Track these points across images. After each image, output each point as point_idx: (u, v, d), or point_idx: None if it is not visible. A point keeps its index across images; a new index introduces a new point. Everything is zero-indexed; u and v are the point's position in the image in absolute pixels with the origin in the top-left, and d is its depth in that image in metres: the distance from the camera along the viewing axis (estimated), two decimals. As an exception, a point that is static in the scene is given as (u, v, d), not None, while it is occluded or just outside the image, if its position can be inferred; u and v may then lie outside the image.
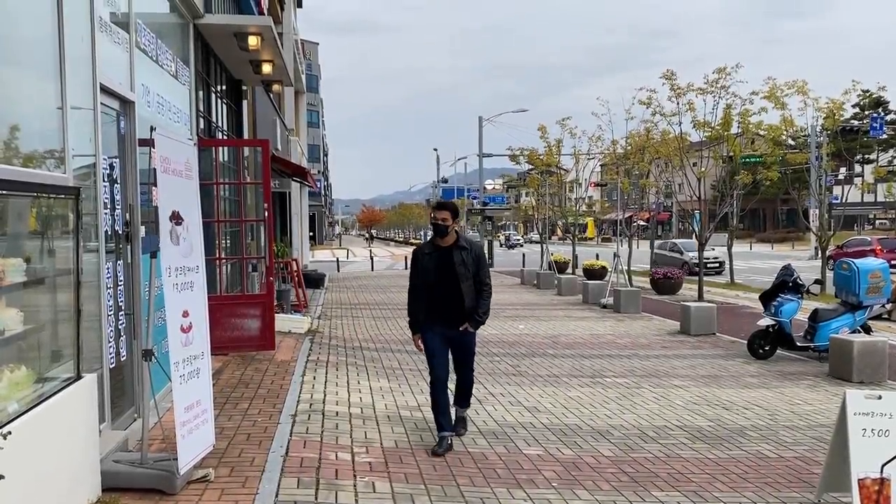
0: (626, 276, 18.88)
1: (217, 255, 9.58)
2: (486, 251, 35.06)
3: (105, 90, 5.46)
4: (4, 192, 3.66)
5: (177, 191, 4.80)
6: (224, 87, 12.01)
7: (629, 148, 22.77)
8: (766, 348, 10.43)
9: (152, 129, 4.66)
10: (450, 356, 6.19)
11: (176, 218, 4.68)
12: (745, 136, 18.84)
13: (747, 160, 19.83)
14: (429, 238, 6.42)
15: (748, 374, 9.46)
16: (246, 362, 8.61)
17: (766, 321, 10.48)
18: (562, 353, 10.82)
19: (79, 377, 4.24)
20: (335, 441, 5.96)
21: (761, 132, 18.77)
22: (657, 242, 31.83)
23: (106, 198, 5.49)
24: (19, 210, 4.20)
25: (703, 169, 17.79)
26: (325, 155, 63.78)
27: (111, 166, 5.67)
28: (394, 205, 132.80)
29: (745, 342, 10.88)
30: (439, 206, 6.15)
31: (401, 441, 6.21)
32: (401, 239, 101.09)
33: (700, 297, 16.85)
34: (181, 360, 4.64)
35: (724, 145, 17.96)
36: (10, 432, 2.82)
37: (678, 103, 17.13)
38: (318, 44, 51.60)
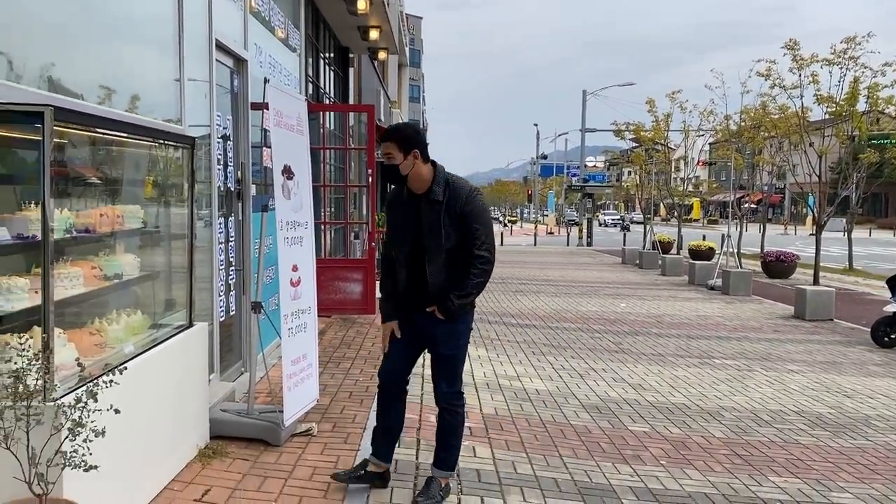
0: (737, 258, 18.07)
1: (322, 220, 9.69)
2: (583, 223, 33.88)
3: (220, 47, 5.52)
4: (126, 134, 3.72)
5: (289, 145, 4.80)
6: (332, 55, 12.10)
7: (742, 124, 21.65)
8: (893, 336, 9.72)
9: (266, 80, 4.66)
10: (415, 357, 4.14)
11: (287, 172, 4.67)
12: (871, 114, 17.53)
13: (876, 141, 18.38)
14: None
15: (871, 361, 8.83)
16: (348, 325, 8.71)
17: (893, 307, 9.76)
18: (667, 333, 10.42)
19: (191, 325, 4.32)
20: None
21: (891, 108, 17.40)
22: None
23: (219, 154, 5.57)
24: (137, 160, 4.29)
25: (824, 147, 16.69)
26: (426, 130, 64.22)
27: (224, 124, 5.75)
28: (490, 182, 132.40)
29: (868, 329, 10.20)
30: (382, 136, 3.89)
31: (500, 408, 6.09)
32: (496, 216, 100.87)
33: (816, 282, 15.92)
34: (290, 314, 4.66)
35: (848, 123, 16.78)
36: (126, 368, 2.85)
37: (800, 75, 16.09)
38: (421, 18, 51.65)
